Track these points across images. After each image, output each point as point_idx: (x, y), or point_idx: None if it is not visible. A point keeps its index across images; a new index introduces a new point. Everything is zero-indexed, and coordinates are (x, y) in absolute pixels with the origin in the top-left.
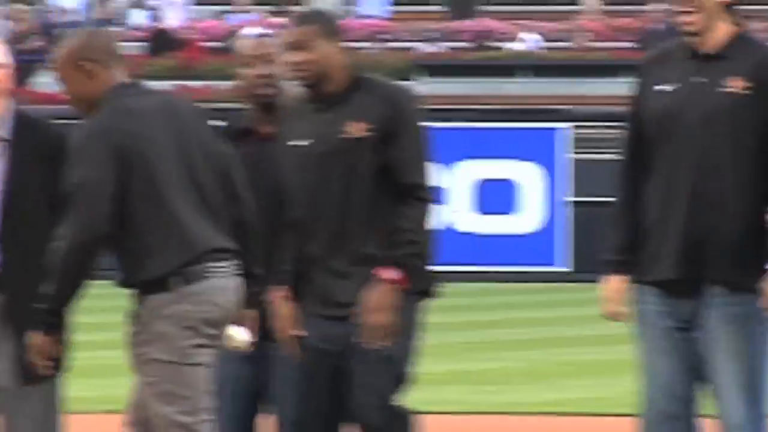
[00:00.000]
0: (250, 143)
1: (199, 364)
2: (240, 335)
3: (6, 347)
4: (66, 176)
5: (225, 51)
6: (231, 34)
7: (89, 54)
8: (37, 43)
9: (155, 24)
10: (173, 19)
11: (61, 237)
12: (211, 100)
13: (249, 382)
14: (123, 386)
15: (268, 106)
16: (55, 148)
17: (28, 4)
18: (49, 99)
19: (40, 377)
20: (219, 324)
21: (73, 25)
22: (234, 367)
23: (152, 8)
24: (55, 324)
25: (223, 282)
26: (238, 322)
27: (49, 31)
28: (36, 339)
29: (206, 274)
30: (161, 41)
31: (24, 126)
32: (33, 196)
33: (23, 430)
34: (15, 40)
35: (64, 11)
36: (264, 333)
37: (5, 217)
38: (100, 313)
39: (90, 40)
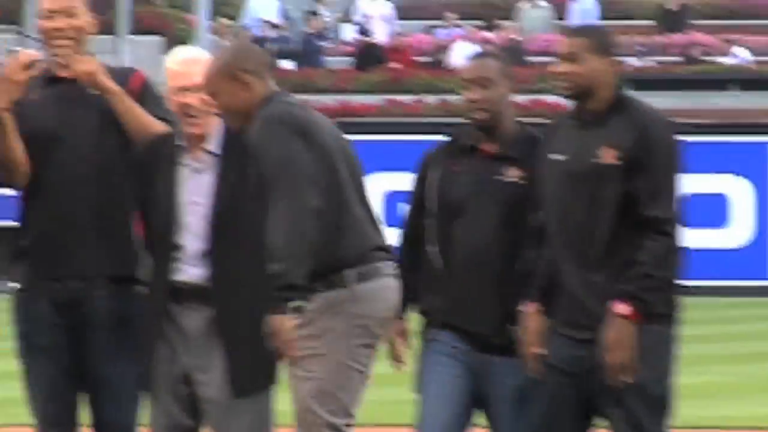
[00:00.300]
0: (475, 159)
1: (363, 366)
2: None
3: (217, 360)
4: (262, 162)
5: (434, 65)
6: (440, 48)
7: (246, 65)
8: None
9: (363, 38)
10: (381, 33)
11: (277, 217)
12: (420, 114)
13: (464, 392)
14: None
15: (486, 128)
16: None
17: (231, 18)
18: None
19: (251, 390)
20: (386, 325)
21: (279, 40)
22: (451, 374)
23: (360, 23)
24: (293, 300)
25: (392, 282)
26: None
27: (261, 45)
28: (278, 322)
29: (378, 272)
30: (369, 55)
31: (232, 141)
32: (242, 209)
33: None
34: None
35: (271, 25)
36: (485, 344)
37: (214, 230)
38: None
39: (245, 52)
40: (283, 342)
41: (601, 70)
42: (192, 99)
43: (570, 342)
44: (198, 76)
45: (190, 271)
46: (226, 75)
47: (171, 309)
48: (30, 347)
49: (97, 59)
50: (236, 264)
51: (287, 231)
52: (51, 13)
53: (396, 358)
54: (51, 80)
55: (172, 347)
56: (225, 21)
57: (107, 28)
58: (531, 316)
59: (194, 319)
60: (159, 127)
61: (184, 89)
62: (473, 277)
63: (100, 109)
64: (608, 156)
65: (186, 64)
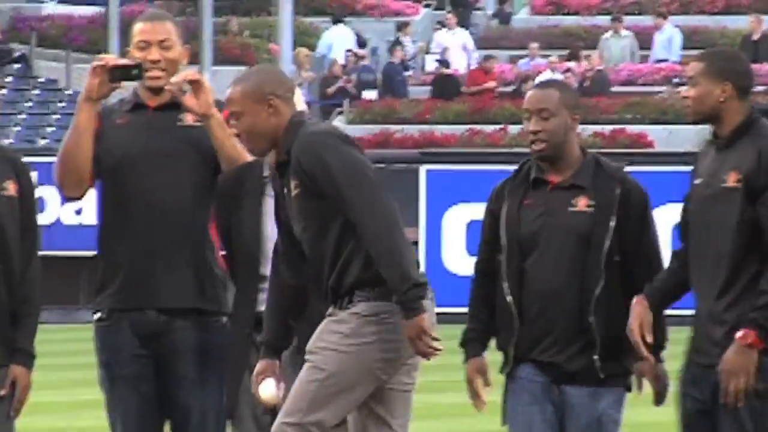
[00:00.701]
0: (544, 191)
1: (376, 381)
2: (268, 389)
3: None
4: (325, 178)
5: (516, 95)
6: (523, 78)
7: (277, 90)
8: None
9: (441, 69)
10: (460, 63)
11: (369, 224)
12: (502, 144)
13: (550, 425)
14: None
15: (548, 158)
16: None
17: (310, 48)
18: None
19: None
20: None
21: (367, 69)
22: (534, 410)
23: (438, 53)
24: (424, 297)
25: (429, 304)
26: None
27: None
28: (423, 323)
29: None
30: (446, 86)
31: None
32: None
33: None
34: (324, 85)
35: (354, 55)
36: (562, 376)
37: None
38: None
39: (276, 76)
40: (426, 342)
41: (716, 94)
42: None
43: (695, 367)
44: None
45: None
46: (257, 98)
47: (255, 339)
48: (112, 377)
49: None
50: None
51: (387, 235)
52: (146, 44)
53: (476, 397)
54: (139, 106)
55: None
56: (305, 51)
57: (191, 58)
58: (639, 304)
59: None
60: (248, 156)
61: None
62: (547, 311)
63: (188, 139)
64: (731, 179)
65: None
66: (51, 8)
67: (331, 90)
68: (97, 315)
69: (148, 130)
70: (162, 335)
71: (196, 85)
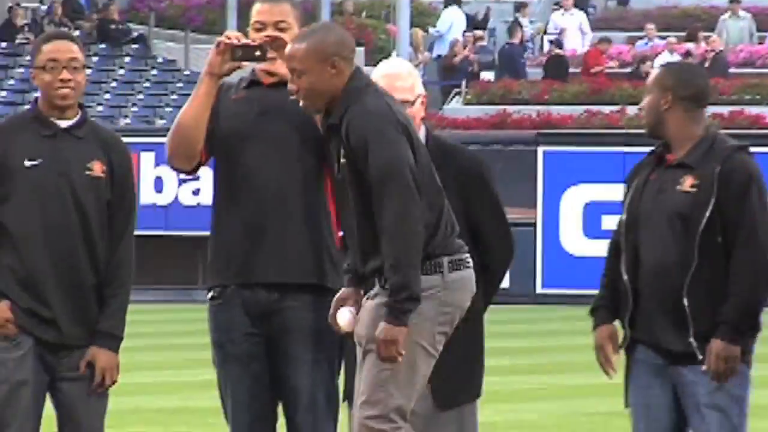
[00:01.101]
0: (662, 169)
1: (436, 352)
2: (344, 317)
3: None
4: (370, 158)
5: (634, 76)
6: (641, 59)
7: (342, 50)
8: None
9: (554, 50)
10: (576, 44)
11: (391, 226)
12: (620, 125)
13: (670, 407)
14: (531, 411)
15: (648, 135)
16: (471, 172)
17: (424, 29)
18: (461, 124)
19: (455, 402)
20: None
21: (485, 50)
22: (655, 392)
23: (558, 34)
24: (413, 311)
25: (473, 273)
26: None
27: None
28: (396, 333)
29: (465, 263)
30: (557, 67)
31: (439, 152)
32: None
33: None
34: (443, 65)
35: (473, 36)
36: (675, 357)
37: None
38: (507, 338)
39: (341, 37)
40: (396, 351)
41: None
42: None
43: None
44: (401, 92)
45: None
46: (321, 58)
47: None
48: (224, 356)
49: None
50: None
51: (402, 241)
52: (262, 25)
53: (606, 362)
54: (254, 83)
55: None
56: (420, 32)
57: None
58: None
59: None
60: None
61: None
62: (655, 290)
63: (301, 117)
64: None
65: (390, 78)
66: None
67: (451, 66)
68: (210, 294)
69: (260, 108)
70: (273, 314)
71: (276, 46)
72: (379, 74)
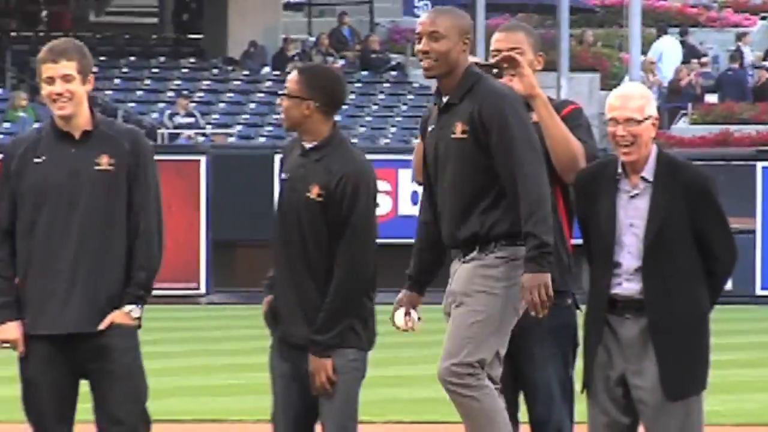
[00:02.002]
0: None
1: (517, 317)
2: (399, 318)
3: (651, 365)
4: (507, 132)
5: None
6: None
7: (470, 35)
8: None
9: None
10: None
11: (533, 183)
12: None
13: None
14: (752, 401)
15: None
16: (698, 187)
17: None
18: (687, 142)
19: (683, 393)
20: None
21: (707, 75)
22: None
23: None
24: (546, 259)
25: None
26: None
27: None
28: (544, 279)
29: None
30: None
31: (669, 167)
32: (674, 230)
33: None
34: (670, 89)
35: (699, 63)
36: None
37: (648, 249)
38: (730, 335)
39: (470, 24)
40: (543, 299)
41: None
42: (622, 130)
43: None
44: (629, 111)
45: (626, 285)
46: (461, 32)
47: (609, 319)
48: None
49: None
50: (668, 279)
51: (538, 197)
52: (498, 52)
53: None
54: None
55: (609, 353)
56: (651, 58)
57: (548, 65)
58: None
59: (630, 328)
60: (575, 142)
61: (614, 121)
62: None
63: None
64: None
65: (622, 99)
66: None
67: (678, 90)
68: None
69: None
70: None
71: (512, 65)
72: (615, 94)
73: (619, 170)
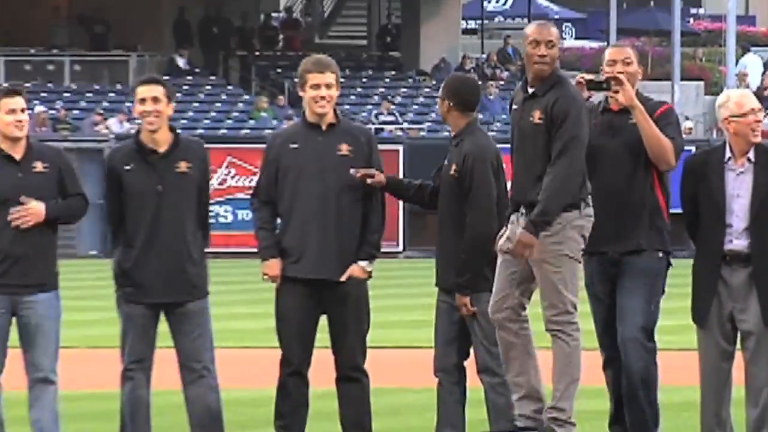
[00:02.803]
0: None
1: (579, 262)
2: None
3: (754, 304)
4: (568, 128)
5: None
6: None
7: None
8: None
9: None
10: None
11: (562, 170)
12: None
13: None
14: None
15: None
16: None
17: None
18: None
19: None
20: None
21: None
22: None
23: None
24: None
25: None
26: None
27: None
28: (531, 239)
29: (587, 202)
30: None
31: (765, 153)
32: None
33: (764, 364)
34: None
35: None
36: None
37: (754, 213)
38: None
39: None
40: (528, 251)
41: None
42: (731, 126)
43: None
44: (757, 109)
45: (736, 242)
46: (558, 43)
47: (724, 270)
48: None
49: (639, 96)
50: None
51: (564, 185)
52: (613, 62)
53: None
54: (606, 111)
55: (719, 297)
56: (744, 71)
57: (666, 76)
58: None
59: (738, 276)
60: (665, 140)
61: (752, 113)
62: None
63: (631, 135)
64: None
65: (748, 99)
66: (568, 42)
67: (762, 97)
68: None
69: (609, 129)
70: (616, 264)
71: (617, 82)
72: (738, 99)
73: (728, 154)
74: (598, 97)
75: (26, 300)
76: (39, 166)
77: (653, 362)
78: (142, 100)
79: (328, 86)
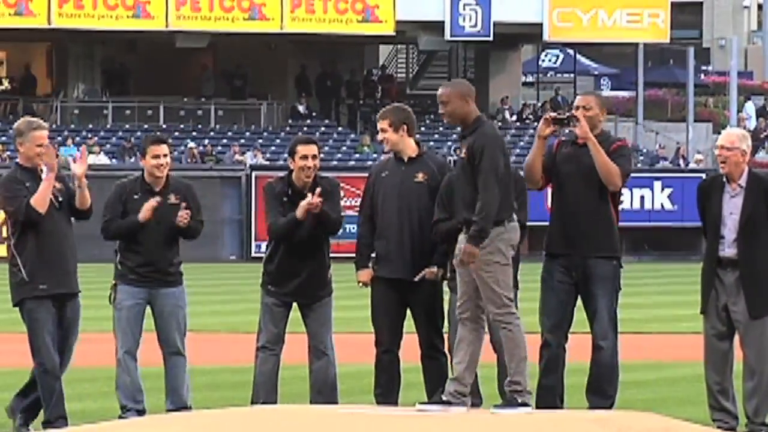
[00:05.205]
0: None
1: (509, 266)
2: None
3: (741, 299)
4: (485, 162)
5: None
6: None
7: (471, 95)
8: None
9: None
10: None
11: (487, 196)
12: None
13: None
14: None
15: None
16: None
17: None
18: (765, 165)
19: (762, 314)
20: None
21: None
22: None
23: None
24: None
25: (517, 224)
26: None
27: None
28: (474, 250)
29: (513, 217)
30: None
31: (754, 179)
32: (757, 217)
33: (752, 346)
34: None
35: None
36: None
37: (741, 227)
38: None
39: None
40: (473, 261)
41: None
42: (719, 152)
43: None
44: (724, 142)
45: (728, 250)
46: (464, 96)
47: (717, 271)
48: None
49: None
50: (753, 247)
51: (489, 206)
52: (577, 108)
53: None
54: (573, 143)
55: (717, 292)
56: (744, 115)
57: (681, 118)
58: None
59: (730, 276)
60: (613, 167)
61: (720, 147)
62: None
63: (591, 162)
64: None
65: (725, 136)
66: (605, 92)
67: (757, 135)
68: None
69: (572, 158)
70: (578, 265)
71: (576, 120)
72: (724, 132)
73: (724, 180)
74: (570, 135)
75: (162, 292)
76: (173, 197)
77: (616, 353)
78: (310, 156)
79: (383, 130)
